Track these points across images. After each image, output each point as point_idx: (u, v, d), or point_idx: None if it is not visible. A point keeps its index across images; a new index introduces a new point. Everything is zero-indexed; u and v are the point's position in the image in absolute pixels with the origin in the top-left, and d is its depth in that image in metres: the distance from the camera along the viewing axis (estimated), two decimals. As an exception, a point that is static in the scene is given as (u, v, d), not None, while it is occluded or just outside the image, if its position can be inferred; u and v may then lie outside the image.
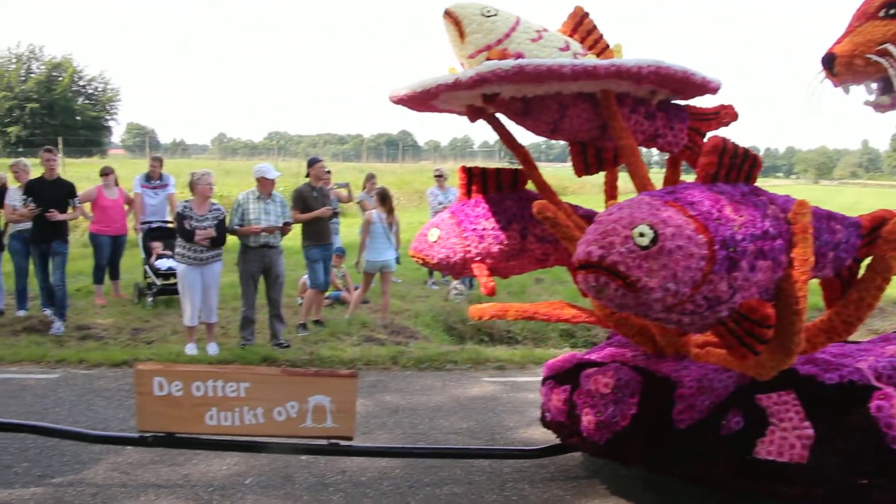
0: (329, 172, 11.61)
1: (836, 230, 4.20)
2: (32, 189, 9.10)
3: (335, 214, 10.07)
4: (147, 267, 11.07)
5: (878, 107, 5.21)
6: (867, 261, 4.48)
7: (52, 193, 9.13)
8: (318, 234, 9.64)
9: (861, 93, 5.24)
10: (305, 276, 10.42)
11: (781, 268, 3.64)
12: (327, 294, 10.64)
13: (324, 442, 4.93)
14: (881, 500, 4.18)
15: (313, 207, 9.50)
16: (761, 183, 3.99)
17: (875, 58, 4.97)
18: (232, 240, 8.64)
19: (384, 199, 10.20)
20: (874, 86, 5.18)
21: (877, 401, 4.27)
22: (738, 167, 3.74)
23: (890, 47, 4.97)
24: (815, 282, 4.41)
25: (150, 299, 10.82)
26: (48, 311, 9.65)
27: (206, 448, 5.17)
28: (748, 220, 3.50)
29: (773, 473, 4.25)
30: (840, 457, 4.20)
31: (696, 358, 4.72)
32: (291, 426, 4.80)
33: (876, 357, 4.94)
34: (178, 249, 8.39)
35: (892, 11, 5.02)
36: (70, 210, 9.43)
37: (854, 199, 37.13)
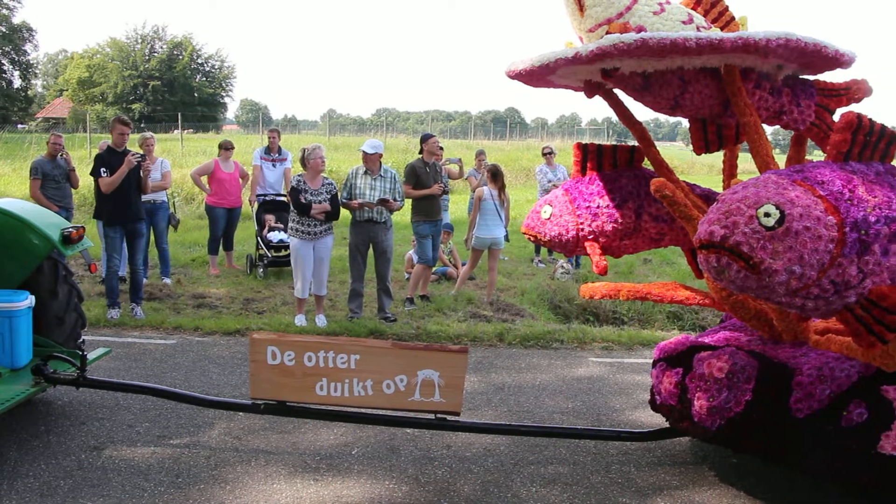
0: (442, 148, 11.69)
1: None
2: (103, 160, 8.52)
3: (445, 192, 10.10)
4: (259, 239, 11.39)
5: None
6: None
7: (121, 163, 8.49)
8: (427, 210, 9.71)
9: None
10: (412, 252, 10.51)
11: (918, 253, 3.44)
12: (434, 269, 10.71)
13: (431, 416, 4.97)
14: None
15: (425, 183, 9.56)
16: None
17: None
18: (344, 214, 8.79)
19: (496, 175, 10.16)
20: None
21: None
22: (874, 145, 3.55)
23: None
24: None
25: (261, 270, 11.13)
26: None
27: (315, 417, 5.28)
28: (883, 202, 3.33)
29: None
30: None
31: (816, 345, 4.55)
32: (399, 399, 4.85)
33: None
34: (291, 224, 8.58)
35: None
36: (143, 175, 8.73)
37: None
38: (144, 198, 9.21)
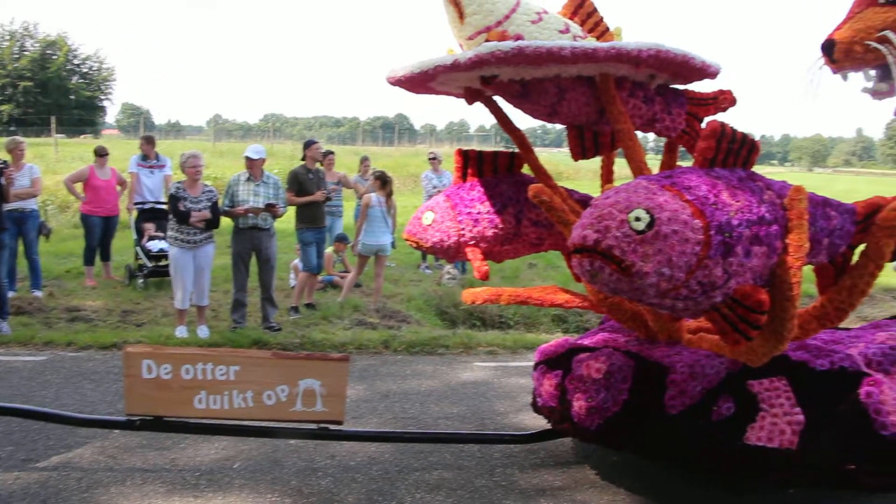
0: (332, 154, 11.57)
1: (831, 216, 4.19)
2: None
3: (328, 199, 10.03)
4: (139, 248, 11.00)
5: (877, 94, 5.19)
6: (860, 248, 4.48)
7: None
8: (311, 217, 9.62)
9: (859, 80, 5.23)
10: (297, 260, 10.38)
11: (776, 253, 3.62)
12: (320, 277, 10.60)
13: (313, 426, 4.91)
14: (869, 485, 4.23)
15: (308, 190, 9.46)
16: (756, 170, 3.97)
17: (874, 44, 4.95)
18: (226, 222, 8.60)
19: (384, 182, 10.16)
20: (872, 73, 5.16)
21: (866, 387, 4.30)
22: (736, 152, 3.71)
23: (889, 34, 4.95)
24: (807, 268, 4.41)
25: (140, 281, 10.77)
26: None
27: (194, 432, 5.15)
28: (744, 206, 3.48)
29: (764, 459, 4.26)
30: (830, 443, 4.23)
31: (689, 343, 4.73)
32: (281, 410, 4.78)
33: (867, 343, 4.96)
34: (170, 232, 8.34)
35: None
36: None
37: (848, 187, 37.20)
38: (12, 206, 8.76)
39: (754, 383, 4.37)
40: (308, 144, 9.95)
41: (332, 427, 4.93)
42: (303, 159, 9.87)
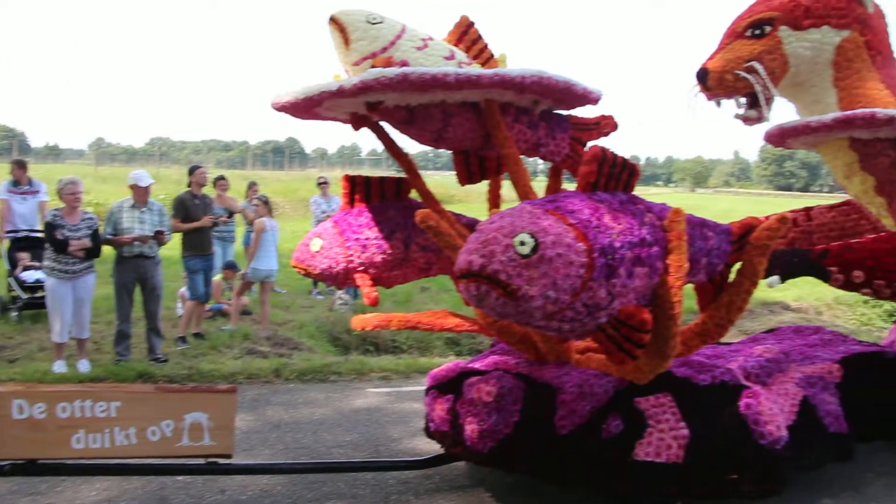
0: (223, 179, 11.35)
1: (708, 237, 4.35)
2: None
3: (216, 224, 9.81)
4: (12, 279, 10.43)
5: (747, 120, 5.47)
6: (737, 266, 4.66)
7: None
8: (198, 244, 9.36)
9: (732, 106, 5.49)
10: (184, 288, 10.08)
11: (658, 274, 3.74)
12: (209, 306, 10.33)
13: (201, 461, 4.75)
14: (749, 492, 4.43)
15: (195, 216, 9.22)
16: (643, 191, 4.10)
17: (743, 74, 5.22)
18: (107, 250, 8.28)
19: (268, 205, 10.08)
20: (743, 100, 5.44)
21: (746, 399, 4.49)
22: (617, 176, 3.81)
23: (756, 65, 5.23)
24: (689, 286, 4.56)
25: (14, 314, 10.21)
26: None
27: (72, 474, 4.88)
28: (626, 228, 3.57)
29: (652, 474, 4.37)
30: (713, 454, 4.39)
31: (578, 364, 4.81)
32: (166, 446, 4.59)
33: (745, 357, 5.20)
34: (46, 262, 7.96)
35: (757, 32, 5.30)
36: None
37: (728, 207, 38.89)
38: None
39: (641, 400, 4.50)
40: (192, 170, 9.73)
41: (221, 461, 4.78)
42: (188, 185, 9.62)
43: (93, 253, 7.91)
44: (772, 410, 4.54)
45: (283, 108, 4.67)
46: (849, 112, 5.15)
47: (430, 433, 5.25)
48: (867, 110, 5.07)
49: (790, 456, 4.59)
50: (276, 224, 9.81)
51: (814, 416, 4.90)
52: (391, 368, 8.59)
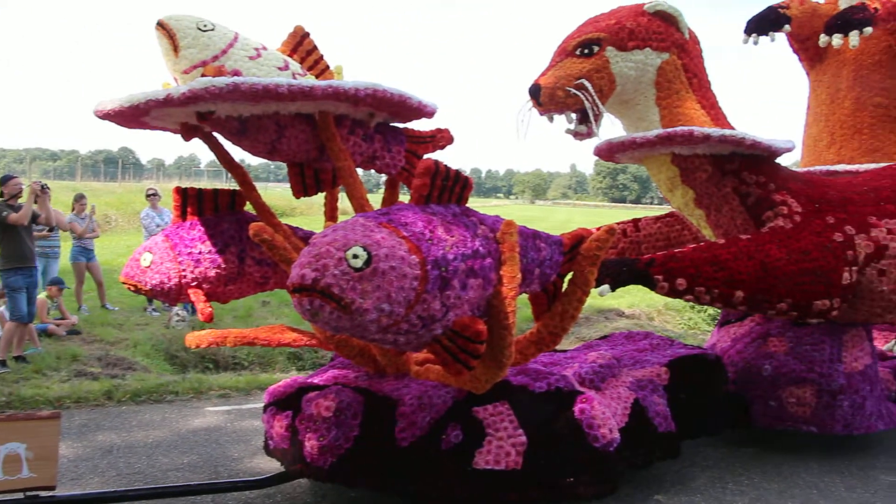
0: (47, 188, 10.68)
1: (541, 248, 4.47)
2: None
3: (35, 220, 9.17)
4: None
5: (577, 135, 5.68)
6: (569, 276, 4.81)
7: None
8: (19, 257, 8.72)
9: (563, 121, 5.69)
10: (3, 308, 9.40)
11: (491, 285, 3.80)
12: (33, 326, 9.67)
13: (20, 496, 4.42)
14: (585, 494, 4.56)
15: (10, 229, 8.61)
16: (484, 203, 4.17)
17: (573, 91, 5.41)
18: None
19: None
20: (574, 116, 5.64)
21: (580, 404, 4.63)
22: (450, 189, 3.86)
23: (585, 82, 5.44)
24: (524, 296, 4.67)
25: None
26: None
27: None
28: (459, 240, 3.62)
29: (492, 482, 4.44)
30: (550, 459, 4.50)
31: (417, 376, 4.83)
32: (-23, 482, 4.25)
33: (580, 363, 5.37)
34: None
35: (586, 51, 5.52)
36: None
37: (565, 218, 40.30)
38: None
39: (479, 409, 4.57)
40: (5, 180, 9.09)
41: (42, 494, 4.46)
42: (0, 196, 8.98)
43: None
44: (605, 414, 4.71)
45: (106, 116, 4.45)
46: (670, 129, 5.44)
47: (270, 451, 5.13)
48: (686, 128, 5.38)
49: (623, 456, 4.78)
50: None
51: (644, 417, 5.11)
52: (231, 386, 8.34)
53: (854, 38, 6.68)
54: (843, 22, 6.74)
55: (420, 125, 5.28)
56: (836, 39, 6.75)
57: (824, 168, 7.67)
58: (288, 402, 4.89)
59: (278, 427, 4.86)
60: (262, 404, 5.34)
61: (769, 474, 5.78)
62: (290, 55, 5.01)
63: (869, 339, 6.31)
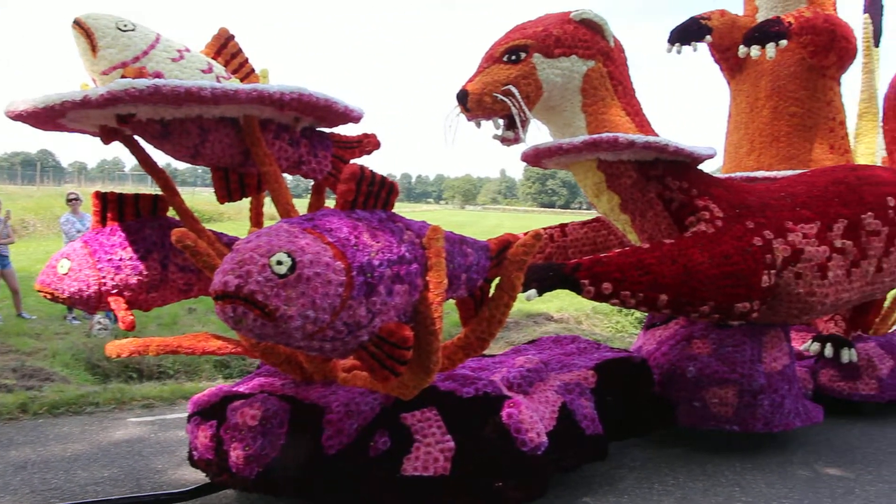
0: None
1: (467, 253, 4.47)
2: None
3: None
4: None
5: (505, 140, 5.72)
6: (497, 281, 4.83)
7: None
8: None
9: (491, 127, 5.72)
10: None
11: (418, 291, 3.79)
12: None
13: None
14: (513, 498, 4.56)
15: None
16: (414, 208, 4.16)
17: (500, 97, 5.44)
18: None
19: None
20: (501, 121, 5.67)
21: (507, 409, 4.65)
22: (376, 194, 3.83)
23: (513, 88, 5.47)
24: (452, 302, 4.68)
25: None
26: None
27: None
28: (385, 246, 3.60)
29: (421, 488, 4.42)
30: (479, 464, 4.50)
31: (344, 382, 4.79)
32: None
33: (508, 368, 5.40)
34: None
35: (513, 57, 5.55)
36: None
37: (496, 223, 40.60)
38: None
39: (407, 416, 4.55)
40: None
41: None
42: None
43: None
44: (532, 418, 4.73)
45: (18, 117, 4.28)
46: (595, 136, 5.51)
47: (195, 462, 5.01)
48: (611, 134, 5.46)
49: (552, 460, 4.81)
50: None
51: (572, 420, 5.16)
52: (155, 395, 8.14)
53: (771, 49, 6.87)
54: (761, 34, 6.93)
55: (347, 130, 5.24)
56: (755, 50, 6.94)
57: (744, 174, 7.91)
58: (212, 412, 4.79)
59: (203, 437, 4.76)
60: (186, 414, 5.23)
61: (694, 473, 5.90)
62: (214, 58, 4.92)
63: (787, 340, 6.50)
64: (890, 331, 8.39)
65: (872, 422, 7.49)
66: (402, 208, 4.71)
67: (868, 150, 9.04)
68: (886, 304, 8.39)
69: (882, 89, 8.63)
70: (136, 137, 4.60)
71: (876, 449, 6.68)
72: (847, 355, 7.09)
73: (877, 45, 9.49)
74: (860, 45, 8.65)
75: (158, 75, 4.34)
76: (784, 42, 6.93)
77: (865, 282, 6.15)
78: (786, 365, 6.31)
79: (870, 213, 6.09)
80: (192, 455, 5.00)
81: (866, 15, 9.48)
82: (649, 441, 6.56)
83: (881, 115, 8.48)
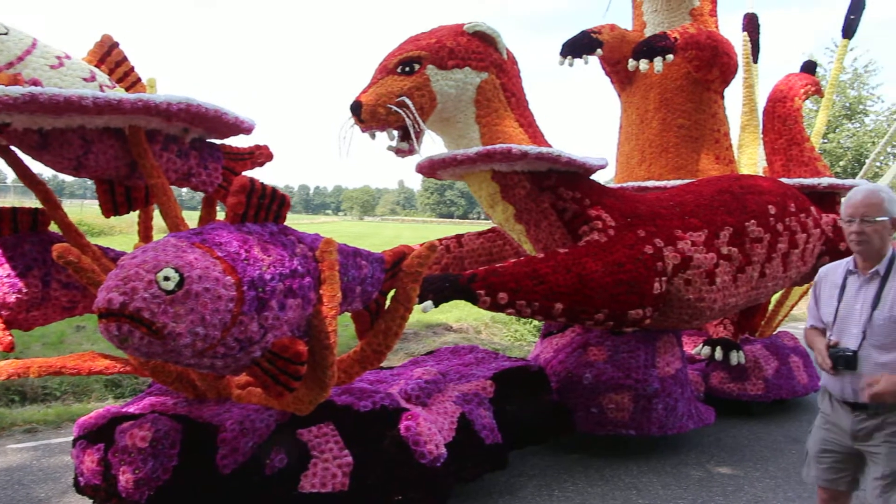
0: None
1: (361, 266, 4.43)
2: None
3: None
4: None
5: (399, 152, 5.71)
6: (392, 293, 4.81)
7: None
8: None
9: (385, 138, 5.70)
10: None
11: (311, 304, 3.73)
12: None
13: None
14: None
15: None
16: (312, 220, 4.09)
17: (395, 108, 5.43)
18: None
19: None
20: (395, 133, 5.66)
21: (405, 421, 4.63)
22: (267, 207, 3.76)
23: (406, 100, 5.46)
24: (348, 315, 4.63)
25: None
26: None
27: None
28: (277, 260, 3.53)
29: None
30: (378, 478, 4.47)
31: (238, 399, 4.67)
32: None
33: (406, 380, 5.38)
34: None
35: (407, 69, 5.55)
36: None
37: (394, 234, 40.55)
38: None
39: (304, 432, 4.48)
40: None
41: None
42: None
43: None
44: (430, 430, 4.72)
45: None
46: (489, 147, 5.56)
47: (81, 489, 4.78)
48: (505, 145, 5.51)
49: (451, 471, 4.81)
50: None
51: (471, 430, 5.18)
52: (38, 419, 7.76)
53: (658, 63, 7.10)
54: (649, 48, 7.16)
55: (239, 142, 5.14)
56: (643, 64, 7.15)
57: (635, 184, 8.13)
58: (100, 435, 4.58)
59: (89, 462, 4.55)
60: (72, 438, 5.00)
61: (592, 478, 6.00)
62: (97, 65, 4.75)
63: (679, 345, 6.70)
64: (774, 333, 8.78)
65: (759, 421, 7.81)
66: (300, 220, 4.61)
67: (750, 160, 9.47)
68: (770, 307, 8.78)
69: (762, 103, 9.05)
70: (12, 148, 4.40)
71: (763, 447, 6.96)
72: (735, 358, 7.39)
73: (755, 61, 9.97)
74: (741, 61, 9.06)
75: (36, 83, 4.15)
76: (671, 56, 7.17)
77: (751, 286, 6.40)
78: (678, 369, 6.50)
79: (753, 221, 6.35)
80: (79, 481, 4.76)
81: (745, 33, 9.95)
82: (548, 448, 6.64)
83: (761, 127, 8.87)
